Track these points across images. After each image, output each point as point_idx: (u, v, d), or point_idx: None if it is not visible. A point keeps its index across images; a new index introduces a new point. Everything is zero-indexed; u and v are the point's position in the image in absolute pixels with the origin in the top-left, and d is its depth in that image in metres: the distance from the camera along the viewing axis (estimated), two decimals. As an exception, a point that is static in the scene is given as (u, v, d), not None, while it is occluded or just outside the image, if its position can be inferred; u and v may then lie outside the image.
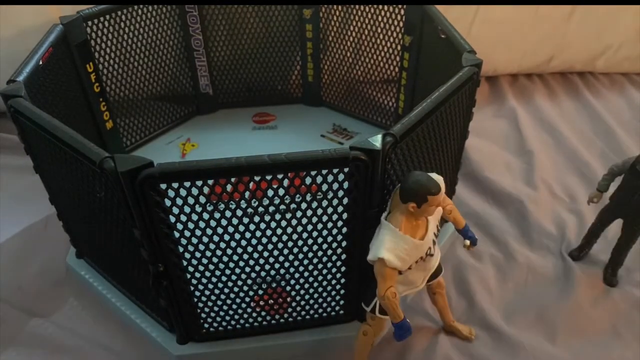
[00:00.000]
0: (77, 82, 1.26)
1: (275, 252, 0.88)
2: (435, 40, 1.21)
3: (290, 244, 0.87)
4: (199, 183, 0.75)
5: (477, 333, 1.08)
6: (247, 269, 0.90)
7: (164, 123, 1.61)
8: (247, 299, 0.95)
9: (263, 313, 0.98)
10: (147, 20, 1.43)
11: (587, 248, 1.23)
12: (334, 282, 0.95)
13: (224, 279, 0.90)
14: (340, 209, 0.83)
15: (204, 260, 0.86)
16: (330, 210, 0.83)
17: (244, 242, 0.85)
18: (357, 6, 1.49)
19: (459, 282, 1.19)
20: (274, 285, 0.94)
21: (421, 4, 1.30)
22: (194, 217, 0.79)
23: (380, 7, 1.44)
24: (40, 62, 0.99)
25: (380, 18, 1.46)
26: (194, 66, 1.59)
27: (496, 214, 1.36)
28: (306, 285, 0.95)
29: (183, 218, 0.80)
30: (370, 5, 1.46)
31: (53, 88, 1.08)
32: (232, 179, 0.76)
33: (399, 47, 1.46)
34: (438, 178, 0.79)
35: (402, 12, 1.39)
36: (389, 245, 0.77)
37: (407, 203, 0.77)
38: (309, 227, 0.85)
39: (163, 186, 0.75)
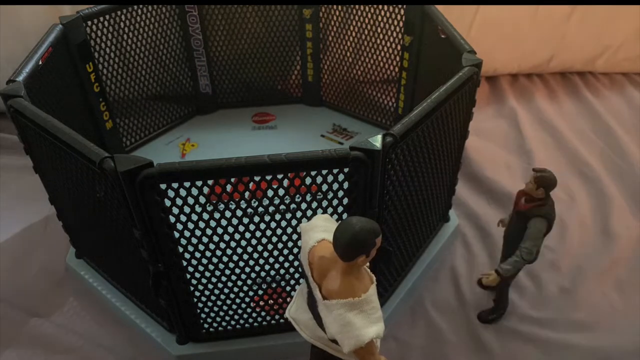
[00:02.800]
0: (76, 82, 1.25)
1: (275, 252, 0.88)
2: (435, 40, 1.21)
3: (290, 244, 0.87)
4: (199, 183, 0.75)
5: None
6: (247, 269, 0.90)
7: (163, 123, 1.61)
8: (247, 299, 0.95)
9: (263, 313, 0.98)
10: (147, 20, 1.43)
11: None
12: (334, 282, 0.95)
13: (224, 279, 0.90)
14: (340, 209, 0.83)
15: (204, 260, 0.86)
16: (330, 210, 0.83)
17: (244, 242, 0.85)
18: (357, 6, 1.49)
19: (458, 282, 1.19)
20: (274, 285, 0.94)
21: (421, 4, 1.29)
22: (194, 217, 0.79)
23: (380, 7, 1.44)
24: (40, 62, 0.99)
25: (380, 18, 1.46)
26: (193, 66, 1.59)
27: (496, 214, 1.36)
28: (306, 285, 0.95)
29: (183, 218, 0.79)
30: (370, 5, 1.46)
31: (53, 88, 1.08)
32: (232, 179, 0.76)
33: (399, 47, 1.46)
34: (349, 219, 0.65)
35: (402, 12, 1.38)
36: (363, 322, 0.64)
37: (355, 259, 0.63)
38: (309, 227, 0.85)
39: (163, 186, 0.75)
